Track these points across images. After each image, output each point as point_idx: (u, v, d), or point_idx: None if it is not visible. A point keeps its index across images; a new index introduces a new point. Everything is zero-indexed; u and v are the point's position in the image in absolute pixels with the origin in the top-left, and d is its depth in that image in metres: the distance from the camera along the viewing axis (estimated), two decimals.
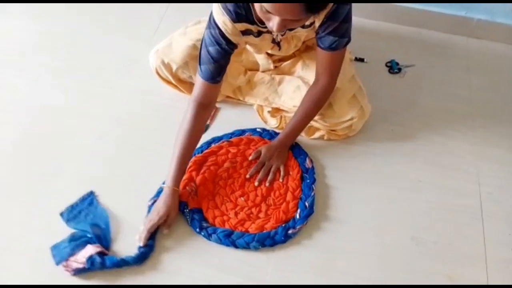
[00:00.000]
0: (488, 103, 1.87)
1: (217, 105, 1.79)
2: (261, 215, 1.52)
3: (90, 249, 1.39)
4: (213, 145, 1.67)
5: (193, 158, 1.61)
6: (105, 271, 1.40)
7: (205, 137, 1.69)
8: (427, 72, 1.97)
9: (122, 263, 1.40)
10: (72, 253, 1.40)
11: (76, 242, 1.42)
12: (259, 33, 1.43)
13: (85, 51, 2.00)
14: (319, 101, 1.55)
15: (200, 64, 1.44)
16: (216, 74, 1.44)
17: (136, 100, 1.82)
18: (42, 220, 1.51)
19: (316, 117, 1.60)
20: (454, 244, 1.51)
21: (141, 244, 1.42)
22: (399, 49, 2.04)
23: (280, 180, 1.59)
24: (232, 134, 1.71)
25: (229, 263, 1.44)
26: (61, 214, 1.50)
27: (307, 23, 1.36)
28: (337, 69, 1.50)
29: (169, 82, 1.76)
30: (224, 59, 1.43)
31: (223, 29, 1.36)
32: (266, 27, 1.35)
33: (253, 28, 1.39)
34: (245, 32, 1.40)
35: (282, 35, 1.48)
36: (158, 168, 1.62)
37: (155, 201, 1.51)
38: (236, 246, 1.46)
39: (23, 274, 1.41)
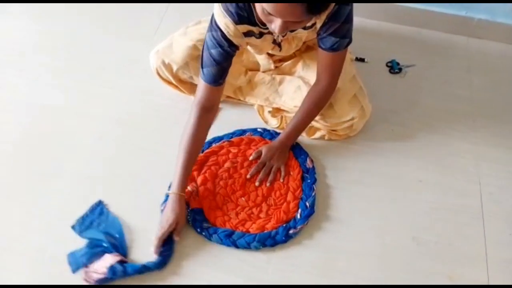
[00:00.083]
0: (488, 103, 1.87)
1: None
2: (262, 215, 1.52)
3: (109, 259, 1.38)
4: (213, 145, 1.66)
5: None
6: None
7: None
8: (427, 72, 1.96)
9: (144, 269, 1.39)
10: (89, 262, 1.39)
11: (93, 250, 1.41)
12: (260, 34, 1.42)
13: (85, 51, 1.99)
14: (320, 101, 1.55)
15: (202, 67, 1.44)
16: (218, 76, 1.44)
17: (136, 100, 1.82)
18: (42, 220, 1.51)
19: (317, 117, 1.60)
20: (454, 244, 1.51)
21: (155, 253, 1.41)
22: (399, 49, 2.03)
23: (281, 180, 1.59)
24: (233, 134, 1.71)
25: (229, 263, 1.44)
26: (73, 227, 1.47)
27: (309, 24, 1.36)
28: (338, 69, 1.50)
29: (169, 83, 1.76)
30: (227, 62, 1.43)
31: (225, 31, 1.36)
32: (267, 28, 1.35)
33: (255, 29, 1.39)
34: (247, 34, 1.39)
35: (283, 36, 1.48)
36: (158, 168, 1.63)
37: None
38: (237, 246, 1.46)
39: (23, 274, 1.41)
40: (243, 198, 1.54)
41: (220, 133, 1.71)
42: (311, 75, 1.62)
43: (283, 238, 1.47)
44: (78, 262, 1.40)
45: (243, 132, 1.72)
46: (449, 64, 2.00)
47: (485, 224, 1.55)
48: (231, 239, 1.46)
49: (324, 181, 1.62)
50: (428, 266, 1.46)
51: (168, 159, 1.62)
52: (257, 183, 1.57)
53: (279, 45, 1.53)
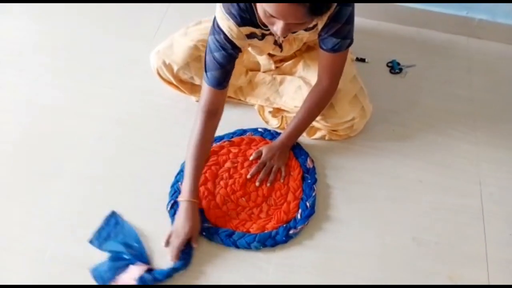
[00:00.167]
0: (489, 103, 1.87)
1: None
2: (262, 215, 1.52)
3: (135, 270, 1.37)
4: (214, 145, 1.66)
5: None
6: None
7: None
8: (428, 72, 1.96)
9: (173, 272, 1.39)
10: (115, 275, 1.38)
11: (116, 264, 1.40)
12: (262, 36, 1.42)
13: (85, 51, 1.99)
14: (321, 102, 1.55)
15: (205, 71, 1.43)
16: (222, 79, 1.43)
17: (136, 100, 1.82)
18: (42, 220, 1.51)
19: (317, 117, 1.60)
20: (454, 244, 1.51)
21: (175, 261, 1.40)
22: (400, 49, 2.03)
23: (281, 180, 1.58)
24: (234, 134, 1.71)
25: (230, 263, 1.44)
26: (91, 242, 1.45)
27: (310, 25, 1.36)
28: (340, 70, 1.50)
29: (170, 83, 1.76)
30: (230, 64, 1.43)
31: (228, 34, 1.35)
32: (269, 30, 1.35)
33: (257, 31, 1.38)
34: (249, 36, 1.39)
35: (284, 37, 1.48)
36: (158, 168, 1.63)
37: (172, 206, 1.52)
38: (237, 247, 1.45)
39: (23, 274, 1.41)
40: (243, 198, 1.54)
41: (221, 133, 1.70)
42: (312, 75, 1.62)
43: (284, 238, 1.47)
44: (104, 277, 1.38)
45: (243, 132, 1.71)
46: (449, 64, 2.00)
47: (485, 224, 1.56)
48: (231, 239, 1.46)
49: (324, 181, 1.62)
50: (428, 266, 1.46)
51: (168, 159, 1.63)
52: (257, 183, 1.56)
53: (280, 46, 1.53)
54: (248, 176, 1.58)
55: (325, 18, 1.32)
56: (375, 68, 1.95)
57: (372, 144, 1.72)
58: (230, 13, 1.32)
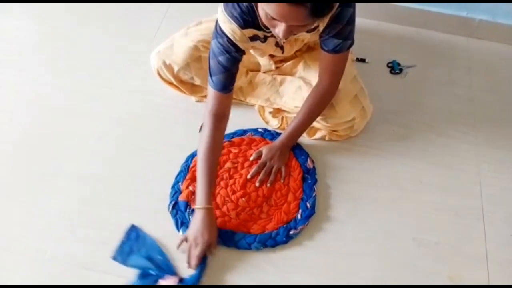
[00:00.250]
0: (489, 104, 1.87)
1: None
2: (263, 215, 1.52)
3: (165, 284, 1.37)
4: None
5: (196, 158, 1.60)
6: None
7: None
8: (428, 73, 1.96)
9: (201, 275, 1.39)
10: None
11: (146, 281, 1.39)
12: (265, 38, 1.42)
13: (85, 51, 1.99)
14: (322, 102, 1.55)
15: (211, 76, 1.43)
16: (228, 83, 1.43)
17: (137, 100, 1.81)
18: (42, 220, 1.51)
19: (318, 118, 1.60)
20: (455, 245, 1.51)
21: (194, 269, 1.39)
22: (400, 49, 2.03)
23: (281, 181, 1.58)
24: (234, 134, 1.71)
25: (230, 264, 1.44)
26: (114, 258, 1.42)
27: (311, 27, 1.35)
28: (340, 71, 1.50)
29: (170, 83, 1.76)
30: (235, 67, 1.42)
31: (231, 37, 1.35)
32: (271, 32, 1.34)
33: (260, 33, 1.38)
34: (252, 38, 1.39)
35: (285, 39, 1.48)
36: (158, 168, 1.63)
37: (173, 206, 1.52)
38: (238, 247, 1.45)
39: (23, 274, 1.41)
40: (243, 199, 1.54)
41: None
42: (312, 76, 1.62)
43: (284, 238, 1.47)
44: None
45: (244, 132, 1.71)
46: (449, 64, 2.00)
47: (486, 224, 1.56)
48: (232, 240, 1.46)
49: (324, 181, 1.62)
50: (428, 266, 1.46)
51: (168, 159, 1.63)
52: (257, 184, 1.56)
53: (281, 48, 1.53)
54: (248, 177, 1.57)
55: (326, 19, 1.32)
56: (375, 68, 1.95)
57: (373, 145, 1.72)
58: (232, 16, 1.32)
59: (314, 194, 1.56)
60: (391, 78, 1.94)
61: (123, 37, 2.04)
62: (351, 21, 1.36)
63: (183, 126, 1.74)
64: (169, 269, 1.41)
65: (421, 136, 1.75)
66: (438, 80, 1.94)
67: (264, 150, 1.61)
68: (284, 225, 1.49)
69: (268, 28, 1.28)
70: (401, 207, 1.58)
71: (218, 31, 1.37)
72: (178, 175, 1.60)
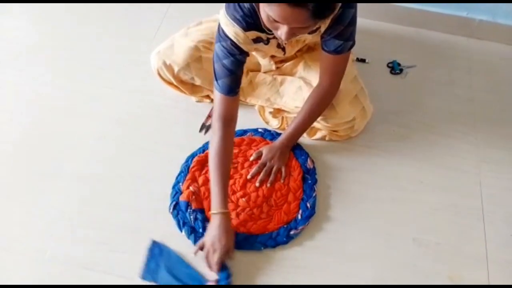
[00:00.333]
0: (489, 104, 1.87)
1: None
2: (263, 216, 1.51)
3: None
4: None
5: (196, 158, 1.61)
6: None
7: (207, 137, 1.70)
8: (428, 73, 1.96)
9: (227, 279, 1.39)
10: None
11: None
12: (268, 40, 1.42)
13: (85, 51, 1.99)
14: (322, 103, 1.55)
15: (216, 80, 1.42)
16: (234, 86, 1.42)
17: (137, 100, 1.81)
18: (42, 220, 1.51)
19: (318, 118, 1.60)
20: (455, 245, 1.51)
21: (217, 273, 1.39)
22: (400, 49, 2.03)
23: (281, 181, 1.58)
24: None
25: (230, 264, 1.43)
26: (143, 277, 1.40)
27: (313, 28, 1.35)
28: (341, 72, 1.50)
29: (170, 83, 1.75)
30: (240, 69, 1.42)
31: (235, 40, 1.34)
32: (273, 34, 1.34)
33: (263, 35, 1.38)
34: (255, 40, 1.38)
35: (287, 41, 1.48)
36: (158, 168, 1.63)
37: (174, 207, 1.52)
38: (239, 247, 1.45)
39: (23, 274, 1.41)
40: (243, 199, 1.54)
41: None
42: (313, 76, 1.62)
43: (284, 239, 1.47)
44: None
45: (244, 132, 1.71)
46: (450, 65, 2.00)
47: (486, 224, 1.56)
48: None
49: (324, 181, 1.62)
50: (428, 266, 1.46)
51: (168, 159, 1.63)
52: (257, 184, 1.56)
53: (283, 49, 1.53)
54: (249, 177, 1.57)
55: (328, 21, 1.31)
56: (375, 68, 1.95)
57: (373, 145, 1.72)
58: (235, 19, 1.31)
59: (314, 194, 1.56)
60: (391, 78, 1.94)
61: (123, 37, 2.04)
62: (353, 22, 1.36)
63: (183, 126, 1.74)
64: (199, 280, 1.40)
65: (421, 136, 1.75)
66: (438, 80, 1.94)
67: (264, 150, 1.60)
68: (285, 225, 1.49)
69: (270, 30, 1.28)
70: (401, 207, 1.58)
71: (221, 34, 1.36)
72: (178, 175, 1.60)
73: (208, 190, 1.54)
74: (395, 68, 1.95)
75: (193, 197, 1.52)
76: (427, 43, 2.08)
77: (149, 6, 2.15)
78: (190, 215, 1.49)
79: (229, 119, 1.47)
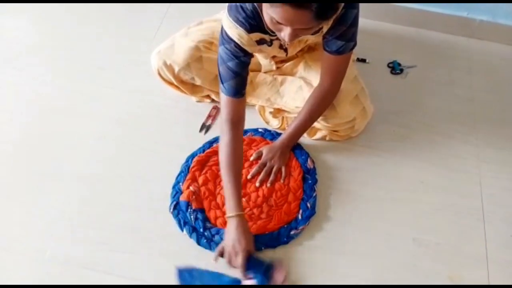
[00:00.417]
0: (489, 104, 1.87)
1: (219, 105, 1.78)
2: (263, 216, 1.51)
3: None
4: (215, 145, 1.65)
5: (196, 158, 1.61)
6: None
7: (207, 137, 1.70)
8: (429, 73, 1.96)
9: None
10: None
11: None
12: (271, 42, 1.42)
13: (86, 51, 1.99)
14: (323, 103, 1.55)
15: (222, 83, 1.42)
16: (240, 87, 1.42)
17: (137, 100, 1.81)
18: (42, 220, 1.51)
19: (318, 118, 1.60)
20: (455, 245, 1.51)
21: (244, 275, 1.37)
22: (401, 49, 2.03)
23: (281, 181, 1.58)
24: None
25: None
26: None
27: (316, 29, 1.35)
28: (342, 72, 1.50)
29: (170, 83, 1.75)
30: (245, 71, 1.42)
31: (239, 42, 1.34)
32: (276, 35, 1.34)
33: (266, 37, 1.38)
34: (259, 42, 1.38)
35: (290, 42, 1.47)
36: (158, 168, 1.63)
37: (175, 207, 1.51)
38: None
39: (23, 274, 1.41)
40: (243, 199, 1.53)
41: None
42: (313, 76, 1.62)
43: (285, 239, 1.47)
44: None
45: (244, 132, 1.70)
46: (450, 65, 2.00)
47: (486, 225, 1.56)
48: None
49: (325, 181, 1.62)
50: (428, 266, 1.47)
51: (168, 159, 1.63)
52: (257, 184, 1.56)
53: (285, 50, 1.53)
54: (249, 177, 1.57)
55: (330, 21, 1.31)
56: (376, 68, 1.95)
57: (373, 145, 1.72)
58: (238, 21, 1.31)
59: (314, 194, 1.56)
60: (391, 78, 1.94)
61: (123, 37, 2.03)
62: (355, 22, 1.36)
63: (183, 126, 1.74)
64: (234, 281, 1.39)
65: (422, 136, 1.75)
66: (438, 80, 1.94)
67: (265, 150, 1.60)
68: (285, 225, 1.49)
69: (273, 32, 1.27)
70: (401, 207, 1.58)
71: (225, 37, 1.36)
72: (178, 175, 1.60)
73: (209, 190, 1.55)
74: (395, 68, 1.95)
75: (193, 197, 1.52)
76: (427, 43, 2.08)
77: (149, 6, 2.15)
78: (191, 215, 1.49)
79: (237, 121, 1.47)
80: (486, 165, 1.69)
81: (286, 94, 1.70)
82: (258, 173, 1.58)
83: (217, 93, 1.76)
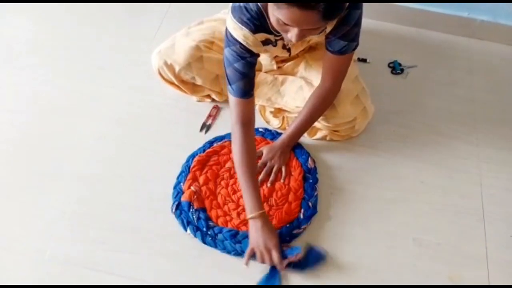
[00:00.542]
0: (490, 105, 1.87)
1: (219, 105, 1.79)
2: None
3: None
4: (215, 145, 1.66)
5: (197, 158, 1.61)
6: None
7: (207, 137, 1.70)
8: (429, 73, 1.96)
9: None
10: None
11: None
12: (275, 42, 1.42)
13: (86, 51, 1.98)
14: (324, 103, 1.55)
15: (229, 84, 1.42)
16: (248, 88, 1.42)
17: (137, 100, 1.81)
18: (42, 220, 1.51)
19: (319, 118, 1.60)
20: (455, 245, 1.51)
21: (283, 268, 1.40)
22: (401, 49, 2.03)
23: (281, 181, 1.58)
24: None
25: (231, 263, 1.44)
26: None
27: (323, 28, 1.35)
28: (344, 72, 1.50)
29: (171, 83, 1.75)
30: (252, 71, 1.41)
31: (244, 43, 1.34)
32: (280, 35, 1.34)
33: (272, 37, 1.37)
34: (264, 42, 1.38)
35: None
36: (159, 168, 1.63)
37: (177, 207, 1.52)
38: (241, 246, 1.44)
39: (23, 274, 1.41)
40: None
41: (222, 133, 1.70)
42: (314, 76, 1.62)
43: (287, 238, 1.47)
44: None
45: None
46: (450, 65, 2.00)
47: (486, 225, 1.56)
48: (235, 239, 1.45)
49: (325, 181, 1.62)
50: (428, 266, 1.47)
51: (168, 159, 1.63)
52: None
53: (288, 49, 1.53)
54: None
55: (334, 21, 1.30)
56: (376, 68, 1.95)
57: (373, 145, 1.72)
58: (242, 22, 1.31)
59: (315, 194, 1.56)
60: (392, 78, 1.94)
61: (123, 37, 2.03)
62: (358, 23, 1.35)
63: (184, 126, 1.74)
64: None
65: (422, 136, 1.75)
66: (439, 80, 1.94)
67: (265, 150, 1.60)
68: (287, 225, 1.49)
69: (278, 32, 1.27)
70: (402, 207, 1.58)
71: (230, 39, 1.35)
72: (179, 175, 1.60)
73: (209, 189, 1.55)
74: (396, 68, 1.95)
75: (195, 197, 1.52)
76: (428, 43, 2.08)
77: (149, 6, 2.15)
78: (193, 215, 1.49)
79: (247, 121, 1.46)
80: (486, 165, 1.69)
81: (286, 94, 1.70)
82: (258, 173, 1.57)
83: (218, 93, 1.77)
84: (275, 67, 1.73)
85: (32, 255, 1.44)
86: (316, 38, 1.49)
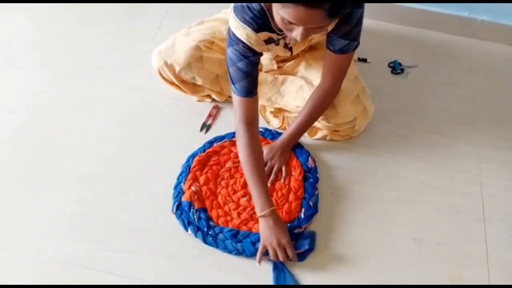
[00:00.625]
0: (490, 105, 1.87)
1: (219, 105, 1.79)
2: None
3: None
4: (215, 144, 1.66)
5: (197, 158, 1.61)
6: None
7: (207, 137, 1.70)
8: (429, 73, 1.96)
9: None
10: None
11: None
12: (278, 41, 1.42)
13: (86, 51, 1.98)
14: (324, 103, 1.55)
15: (233, 83, 1.42)
16: (252, 87, 1.42)
17: (137, 100, 1.81)
18: (42, 220, 1.51)
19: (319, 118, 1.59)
20: (455, 245, 1.51)
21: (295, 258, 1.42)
22: (402, 49, 2.03)
23: (282, 180, 1.58)
24: (235, 133, 1.69)
25: (232, 263, 1.44)
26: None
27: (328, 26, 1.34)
28: (344, 72, 1.50)
29: (171, 83, 1.75)
30: (255, 70, 1.41)
31: (247, 42, 1.34)
32: (282, 34, 1.34)
33: (274, 36, 1.37)
34: (267, 41, 1.38)
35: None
36: (159, 168, 1.62)
37: (177, 207, 1.51)
38: (242, 246, 1.44)
39: (23, 274, 1.41)
40: (244, 198, 1.54)
41: (222, 133, 1.70)
42: (314, 75, 1.62)
43: None
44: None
45: None
46: (451, 65, 2.00)
47: (486, 225, 1.56)
48: (236, 239, 1.45)
49: (326, 181, 1.62)
50: (428, 266, 1.47)
51: (168, 159, 1.63)
52: None
53: (290, 49, 1.52)
54: None
55: (336, 20, 1.31)
56: (376, 68, 1.95)
57: (373, 145, 1.72)
58: (245, 21, 1.31)
59: (316, 193, 1.56)
60: (392, 78, 1.94)
61: (123, 37, 2.03)
62: (360, 22, 1.36)
63: (184, 126, 1.74)
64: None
65: (422, 136, 1.75)
66: (439, 80, 1.94)
67: (265, 149, 1.60)
68: (288, 224, 1.49)
69: (281, 31, 1.27)
70: (402, 207, 1.58)
71: (233, 38, 1.35)
72: (179, 175, 1.60)
73: (210, 189, 1.55)
74: (396, 68, 1.95)
75: (195, 197, 1.52)
76: (428, 43, 2.08)
77: (149, 6, 2.15)
78: (194, 215, 1.49)
79: (252, 120, 1.47)
80: (486, 165, 1.69)
81: (286, 93, 1.69)
82: None
83: (218, 93, 1.77)
84: (275, 66, 1.73)
85: (32, 255, 1.44)
86: (318, 37, 1.49)
